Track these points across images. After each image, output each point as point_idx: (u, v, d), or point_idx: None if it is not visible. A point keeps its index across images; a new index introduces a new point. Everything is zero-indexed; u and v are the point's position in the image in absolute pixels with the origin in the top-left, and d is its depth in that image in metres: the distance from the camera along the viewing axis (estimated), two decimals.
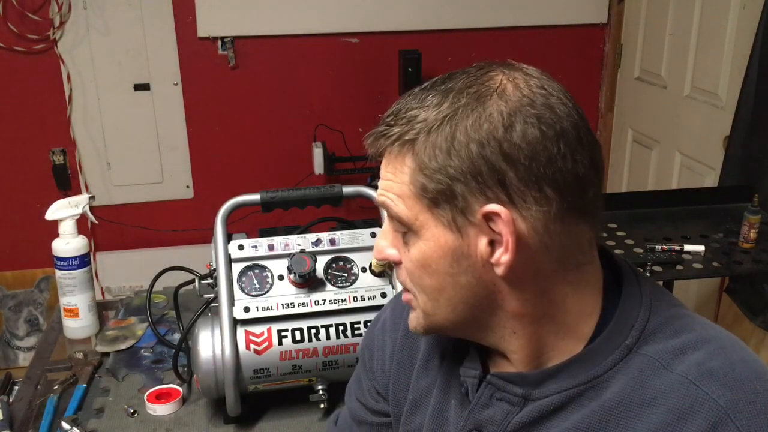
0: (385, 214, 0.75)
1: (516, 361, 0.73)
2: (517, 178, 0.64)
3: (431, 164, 0.66)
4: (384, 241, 0.75)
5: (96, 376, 1.34)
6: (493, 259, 0.67)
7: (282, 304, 1.18)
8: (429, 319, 0.74)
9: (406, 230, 0.70)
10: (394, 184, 0.70)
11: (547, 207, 0.65)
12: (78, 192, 2.95)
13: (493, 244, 0.66)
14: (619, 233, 1.88)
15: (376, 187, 1.33)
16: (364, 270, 1.23)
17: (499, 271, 0.67)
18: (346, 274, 1.23)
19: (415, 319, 0.76)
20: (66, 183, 2.98)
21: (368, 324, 1.20)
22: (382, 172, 0.71)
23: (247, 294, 1.18)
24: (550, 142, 0.64)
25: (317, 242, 1.23)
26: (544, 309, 0.70)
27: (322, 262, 1.21)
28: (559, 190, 0.65)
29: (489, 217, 0.65)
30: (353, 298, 1.21)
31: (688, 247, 1.78)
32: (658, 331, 0.69)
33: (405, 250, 0.72)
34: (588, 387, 0.68)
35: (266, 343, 1.16)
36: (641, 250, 1.77)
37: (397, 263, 0.74)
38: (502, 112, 0.64)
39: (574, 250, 0.68)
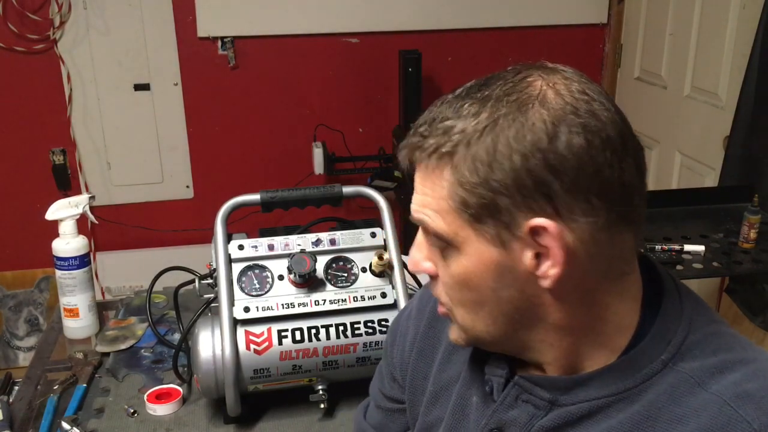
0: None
1: (548, 369, 0.72)
2: (563, 190, 0.61)
3: (472, 178, 0.63)
4: (419, 254, 0.72)
5: (96, 376, 1.34)
6: (540, 272, 0.64)
7: (282, 304, 1.18)
8: (468, 333, 0.72)
9: (446, 245, 0.68)
10: (432, 200, 0.66)
11: (594, 218, 0.63)
12: (78, 192, 2.95)
13: (538, 256, 0.64)
14: None
15: (376, 188, 1.34)
16: (364, 270, 1.23)
17: (546, 283, 0.65)
18: (346, 274, 1.22)
19: (455, 332, 0.74)
20: (66, 183, 2.98)
21: (368, 324, 1.20)
22: (417, 186, 0.68)
23: (247, 294, 1.18)
24: (596, 151, 0.62)
25: (317, 242, 1.23)
26: (584, 320, 0.68)
27: (322, 262, 1.21)
28: (606, 199, 0.62)
29: (536, 230, 0.63)
30: (353, 298, 1.20)
31: (688, 247, 1.78)
32: (696, 348, 0.67)
33: (443, 264, 0.69)
34: (618, 398, 0.67)
35: (266, 343, 1.16)
36: (641, 250, 1.77)
37: (434, 277, 0.72)
38: (545, 122, 0.62)
39: (617, 259, 0.66)
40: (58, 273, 1.43)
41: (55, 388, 1.27)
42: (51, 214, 1.41)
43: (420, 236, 0.72)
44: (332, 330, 1.19)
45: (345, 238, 1.25)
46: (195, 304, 1.31)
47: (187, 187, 3.12)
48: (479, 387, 0.78)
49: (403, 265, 1.24)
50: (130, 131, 3.00)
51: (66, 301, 1.44)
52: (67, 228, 1.42)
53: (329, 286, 1.21)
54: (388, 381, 0.93)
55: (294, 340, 1.17)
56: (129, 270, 3.00)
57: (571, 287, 0.66)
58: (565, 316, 0.67)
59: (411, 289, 1.30)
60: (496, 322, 0.69)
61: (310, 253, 1.19)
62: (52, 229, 1.43)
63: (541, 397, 0.71)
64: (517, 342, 0.71)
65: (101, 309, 1.54)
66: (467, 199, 0.64)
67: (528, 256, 0.64)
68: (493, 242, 0.65)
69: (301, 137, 3.11)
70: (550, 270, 0.64)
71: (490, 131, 0.63)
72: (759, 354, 0.68)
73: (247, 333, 1.16)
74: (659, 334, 0.68)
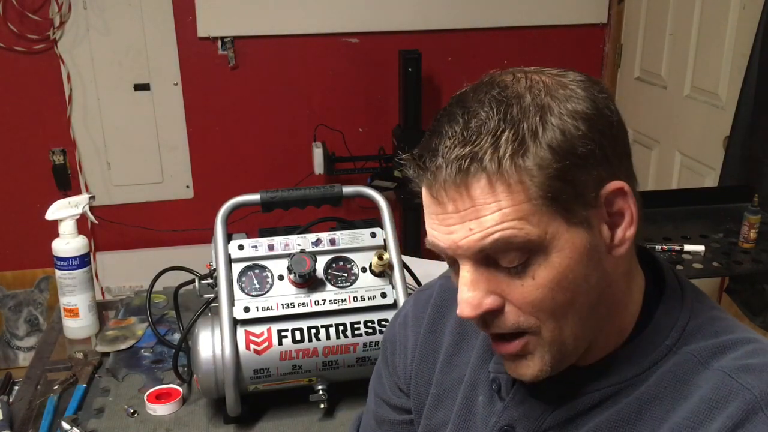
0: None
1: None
2: (612, 151, 0.64)
3: (557, 164, 0.60)
4: (477, 292, 0.64)
5: (96, 376, 1.34)
6: (617, 239, 0.65)
7: (282, 304, 1.18)
8: (557, 349, 0.66)
9: (527, 257, 0.63)
10: (509, 209, 0.61)
11: (632, 175, 0.67)
12: (78, 192, 2.95)
13: (610, 226, 0.65)
14: None
15: (376, 188, 1.34)
16: (364, 270, 1.23)
17: (623, 249, 0.65)
18: (346, 274, 1.22)
19: (539, 361, 0.67)
20: (66, 183, 2.98)
21: (368, 324, 1.20)
22: (476, 208, 0.61)
23: (247, 294, 1.18)
24: (618, 111, 0.66)
25: (317, 242, 1.23)
26: (623, 296, 0.70)
27: (322, 262, 1.21)
28: (630, 158, 0.67)
29: (610, 197, 0.64)
30: (353, 298, 1.20)
31: (688, 247, 1.78)
32: (698, 332, 0.69)
33: (519, 283, 0.63)
34: (624, 386, 0.68)
35: (266, 343, 1.16)
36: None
37: (499, 310, 0.65)
38: (582, 90, 0.63)
39: (643, 221, 0.69)
40: (58, 273, 1.43)
41: (55, 388, 1.27)
42: (51, 214, 1.41)
43: (467, 274, 0.65)
44: (332, 330, 1.18)
45: (345, 238, 1.25)
46: (195, 304, 1.31)
47: (187, 187, 3.12)
48: (485, 386, 0.78)
49: (403, 265, 1.24)
50: (130, 131, 2.99)
51: (66, 301, 1.44)
52: (67, 228, 1.42)
53: (329, 286, 1.21)
54: (393, 393, 0.91)
55: (294, 340, 1.17)
56: (129, 270, 3.00)
57: (630, 253, 0.68)
58: (621, 290, 0.69)
59: (411, 288, 1.30)
60: (582, 321, 0.66)
61: (310, 253, 1.19)
62: (52, 229, 1.43)
63: (550, 391, 0.71)
64: (589, 339, 0.69)
65: (101, 309, 1.54)
66: (556, 188, 0.61)
67: (605, 228, 0.65)
68: (582, 225, 0.63)
69: (301, 137, 3.11)
70: (627, 232, 0.65)
71: (549, 114, 0.61)
72: (758, 337, 0.70)
73: (247, 333, 1.16)
74: (663, 320, 0.70)
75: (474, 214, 0.62)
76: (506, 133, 0.60)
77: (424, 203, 0.67)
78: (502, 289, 0.65)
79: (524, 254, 0.62)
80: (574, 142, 0.61)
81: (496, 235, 0.61)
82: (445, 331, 0.85)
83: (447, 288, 0.88)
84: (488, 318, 0.66)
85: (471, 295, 0.64)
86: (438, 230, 0.65)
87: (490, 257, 0.64)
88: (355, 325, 1.20)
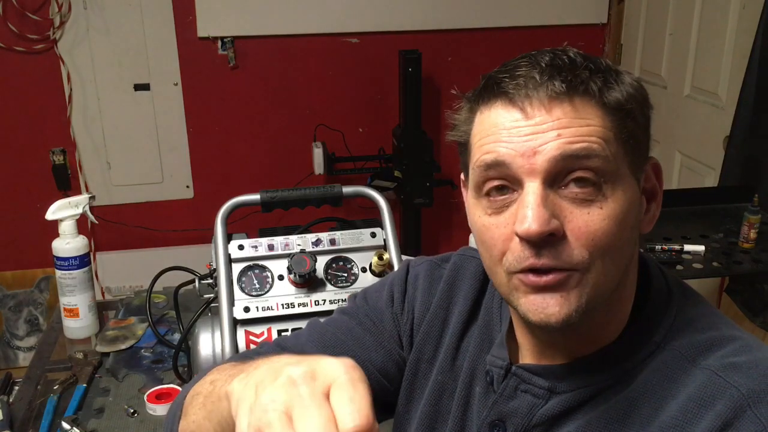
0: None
1: (554, 355, 0.72)
2: (649, 135, 0.69)
3: (633, 105, 0.66)
4: (546, 211, 0.62)
5: (96, 376, 1.34)
6: (649, 215, 0.70)
7: (282, 304, 1.18)
8: (594, 293, 0.65)
9: (597, 185, 0.63)
10: (597, 128, 0.64)
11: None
12: (78, 192, 2.95)
13: (646, 199, 0.70)
14: None
15: (376, 188, 1.34)
16: (364, 270, 1.23)
17: (648, 228, 0.70)
18: (346, 274, 1.22)
19: (576, 300, 0.64)
20: (66, 183, 2.98)
21: None
22: (567, 119, 0.63)
23: (247, 294, 1.18)
24: None
25: (317, 242, 1.23)
26: (625, 287, 0.72)
27: (322, 262, 1.21)
28: None
29: (650, 170, 0.70)
30: None
31: (688, 247, 1.78)
32: (685, 328, 0.69)
33: (584, 212, 0.63)
34: (614, 382, 0.68)
35: None
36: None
37: (557, 239, 0.63)
38: (633, 78, 0.69)
39: None
40: (58, 273, 1.43)
41: (55, 388, 1.27)
42: (51, 214, 1.42)
43: (537, 191, 0.63)
44: None
45: (345, 238, 1.25)
46: (195, 304, 1.31)
47: (187, 187, 3.12)
48: (481, 377, 0.78)
49: None
50: (130, 131, 2.99)
51: (66, 301, 1.44)
52: (67, 228, 1.42)
53: (329, 286, 1.21)
54: (394, 339, 0.86)
55: None
56: (129, 270, 3.00)
57: (638, 244, 0.71)
58: (631, 276, 0.71)
59: None
60: (618, 275, 0.67)
61: (310, 253, 1.19)
62: (52, 229, 1.43)
63: (540, 385, 0.71)
64: (609, 308, 0.69)
65: (101, 309, 1.54)
66: (630, 129, 0.65)
67: (643, 198, 0.69)
68: (636, 178, 0.67)
69: (301, 137, 3.11)
70: (656, 210, 0.70)
71: (621, 74, 0.68)
72: (743, 333, 0.71)
73: (247, 333, 1.16)
74: (651, 316, 0.70)
75: (567, 124, 0.63)
76: (595, 71, 0.66)
77: (486, 123, 0.67)
78: (564, 216, 0.64)
79: (597, 177, 0.63)
80: (641, 105, 0.67)
81: (584, 144, 0.63)
82: (454, 312, 0.84)
83: (461, 266, 0.86)
84: (544, 245, 0.63)
85: (538, 213, 0.62)
86: (510, 141, 0.64)
87: (560, 177, 0.64)
88: None
